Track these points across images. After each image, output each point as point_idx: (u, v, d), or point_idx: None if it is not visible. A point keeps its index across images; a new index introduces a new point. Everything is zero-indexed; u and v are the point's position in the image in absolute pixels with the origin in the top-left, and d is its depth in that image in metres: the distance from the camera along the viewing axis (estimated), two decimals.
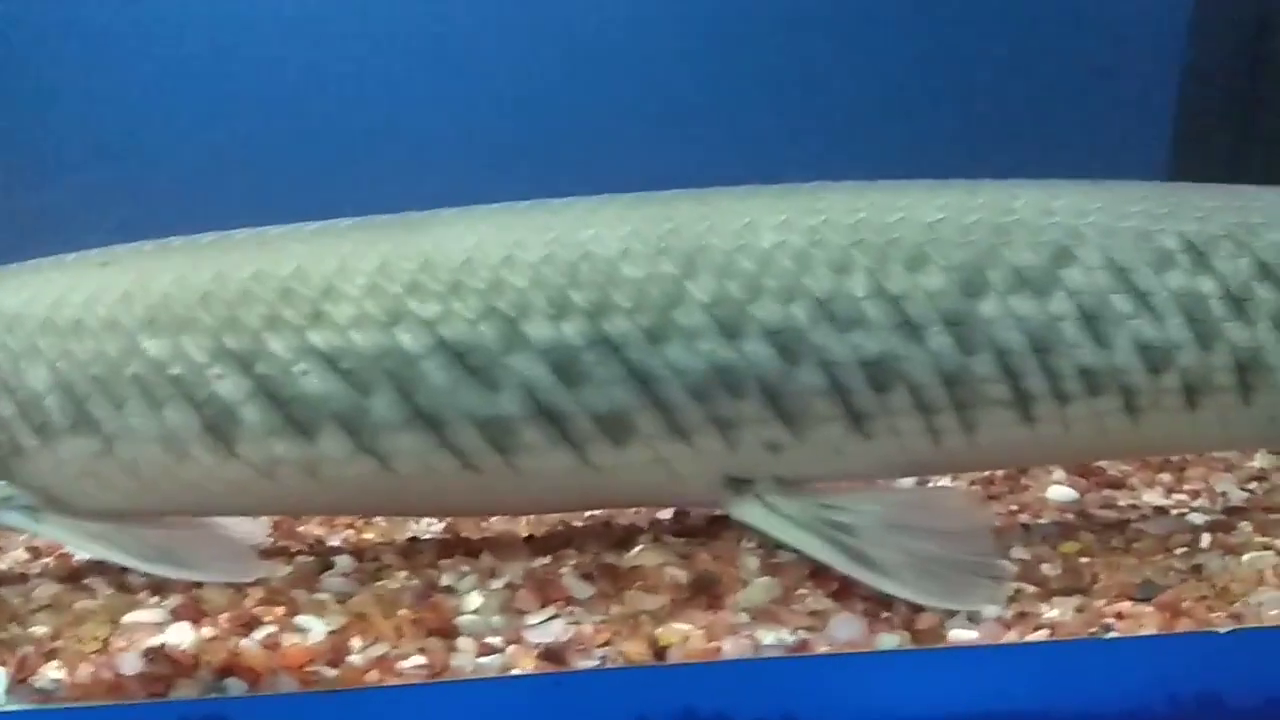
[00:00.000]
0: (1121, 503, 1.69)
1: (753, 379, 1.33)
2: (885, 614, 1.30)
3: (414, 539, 1.59)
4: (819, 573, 1.35)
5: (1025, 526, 1.57)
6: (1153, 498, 1.72)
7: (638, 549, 1.42)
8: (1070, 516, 1.64)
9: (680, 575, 1.36)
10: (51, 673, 1.20)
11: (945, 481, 1.69)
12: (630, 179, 1.48)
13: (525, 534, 1.58)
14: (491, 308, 1.32)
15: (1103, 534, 1.53)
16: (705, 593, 1.34)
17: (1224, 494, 1.72)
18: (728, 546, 1.43)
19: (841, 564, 1.33)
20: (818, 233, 1.37)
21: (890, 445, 1.38)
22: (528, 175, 1.86)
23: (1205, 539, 1.49)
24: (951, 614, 1.29)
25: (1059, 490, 1.73)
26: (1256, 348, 1.43)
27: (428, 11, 2.62)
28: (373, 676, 1.21)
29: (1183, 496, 1.71)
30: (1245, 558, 1.41)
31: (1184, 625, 1.31)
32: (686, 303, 1.33)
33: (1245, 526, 1.53)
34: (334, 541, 1.60)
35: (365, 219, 1.45)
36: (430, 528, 1.63)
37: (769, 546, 1.40)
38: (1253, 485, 1.75)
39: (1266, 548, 1.44)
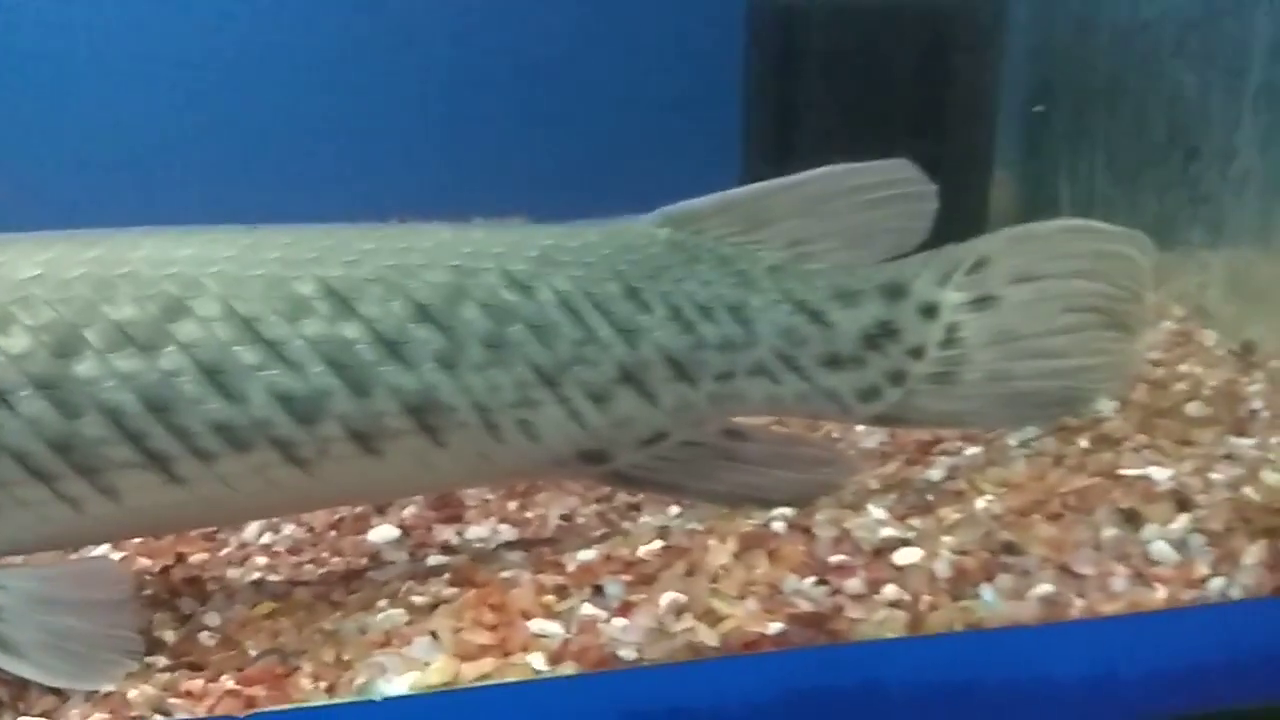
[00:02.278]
0: (447, 538, 1.61)
1: None
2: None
3: None
4: None
5: (257, 584, 1.50)
6: (480, 532, 1.64)
7: None
8: (369, 564, 1.57)
9: None
10: None
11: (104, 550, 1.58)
12: None
13: None
14: None
15: (325, 586, 1.46)
16: None
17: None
18: None
19: None
20: None
21: (27, 516, 1.31)
22: None
23: (421, 586, 1.41)
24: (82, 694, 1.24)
25: (383, 531, 1.65)
26: (425, 389, 1.36)
27: None
28: None
29: (479, 531, 1.63)
30: (381, 616, 1.33)
31: (288, 697, 1.24)
32: None
33: (487, 572, 1.44)
34: None
35: None
36: None
37: None
38: (593, 509, 1.68)
39: (436, 602, 1.35)
